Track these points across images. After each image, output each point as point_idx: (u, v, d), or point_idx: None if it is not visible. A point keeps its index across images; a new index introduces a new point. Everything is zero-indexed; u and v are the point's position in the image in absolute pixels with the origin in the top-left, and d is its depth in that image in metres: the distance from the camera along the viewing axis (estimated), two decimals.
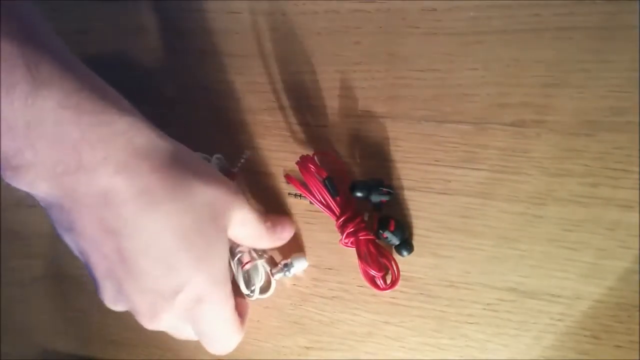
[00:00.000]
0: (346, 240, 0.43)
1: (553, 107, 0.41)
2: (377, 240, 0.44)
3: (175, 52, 0.49)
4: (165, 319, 0.38)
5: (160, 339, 0.53)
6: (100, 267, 0.35)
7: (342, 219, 0.42)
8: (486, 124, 0.42)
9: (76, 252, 0.36)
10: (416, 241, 0.44)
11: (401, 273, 0.44)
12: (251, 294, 0.46)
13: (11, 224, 0.55)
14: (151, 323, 0.38)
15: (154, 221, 0.34)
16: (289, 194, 0.47)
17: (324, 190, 0.42)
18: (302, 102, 0.46)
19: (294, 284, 0.48)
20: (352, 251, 0.43)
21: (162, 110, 0.49)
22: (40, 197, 0.33)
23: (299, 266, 0.46)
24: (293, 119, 0.47)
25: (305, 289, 0.48)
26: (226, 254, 0.40)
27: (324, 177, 0.42)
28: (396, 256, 0.44)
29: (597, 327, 0.42)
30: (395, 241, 0.43)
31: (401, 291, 0.45)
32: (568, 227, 0.42)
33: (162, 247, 0.34)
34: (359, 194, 0.42)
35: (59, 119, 0.30)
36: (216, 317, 0.40)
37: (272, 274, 0.47)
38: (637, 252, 0.41)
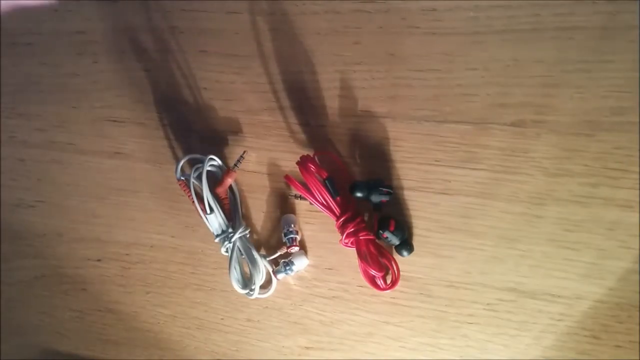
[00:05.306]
0: (346, 241, 0.43)
1: (553, 107, 0.41)
2: (377, 240, 0.44)
3: (175, 52, 0.49)
4: None
5: (160, 339, 0.53)
6: None
7: (342, 219, 0.42)
8: (486, 124, 0.42)
9: None
10: (416, 241, 0.44)
11: (401, 273, 0.44)
12: (251, 293, 0.46)
13: (11, 224, 0.55)
14: None
15: None
16: (290, 195, 0.47)
17: (324, 190, 0.42)
18: (302, 102, 0.46)
19: (294, 284, 0.48)
20: (352, 251, 0.43)
21: (161, 110, 0.49)
22: None
23: (300, 264, 0.46)
24: (293, 119, 0.46)
25: (305, 289, 0.48)
26: None
27: (324, 177, 0.42)
28: (396, 256, 0.44)
29: (597, 327, 0.42)
30: (395, 241, 0.43)
31: (401, 291, 0.45)
32: (568, 227, 0.42)
33: None
34: (359, 194, 0.42)
35: None
36: None
37: (274, 273, 0.47)
38: (637, 252, 0.41)
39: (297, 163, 0.43)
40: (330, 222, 0.44)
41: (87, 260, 0.53)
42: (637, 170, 0.40)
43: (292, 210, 0.47)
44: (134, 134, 0.50)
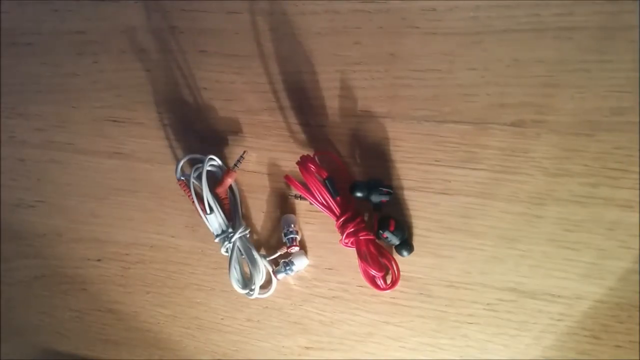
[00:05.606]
0: (346, 240, 0.43)
1: (553, 107, 0.41)
2: (377, 240, 0.44)
3: (175, 52, 0.49)
4: None
5: (160, 339, 0.53)
6: None
7: (342, 219, 0.42)
8: (486, 124, 0.42)
9: None
10: (416, 241, 0.44)
11: (401, 273, 0.44)
12: (251, 293, 0.46)
13: (11, 224, 0.55)
14: None
15: None
16: (290, 195, 0.47)
17: (324, 190, 0.42)
18: (302, 102, 0.46)
19: (294, 284, 0.48)
20: (352, 251, 0.43)
21: (161, 110, 0.49)
22: None
23: (300, 264, 0.46)
24: (293, 119, 0.46)
25: (305, 289, 0.48)
26: None
27: (324, 177, 0.42)
28: (396, 256, 0.44)
29: (597, 327, 0.42)
30: (395, 241, 0.43)
31: (401, 291, 0.45)
32: (568, 227, 0.42)
33: None
34: (359, 194, 0.42)
35: None
36: None
37: (274, 273, 0.47)
38: (637, 252, 0.41)
39: (297, 163, 0.43)
40: (330, 222, 0.44)
41: (87, 260, 0.53)
42: (637, 170, 0.40)
43: (292, 210, 0.47)
44: (134, 134, 0.50)
